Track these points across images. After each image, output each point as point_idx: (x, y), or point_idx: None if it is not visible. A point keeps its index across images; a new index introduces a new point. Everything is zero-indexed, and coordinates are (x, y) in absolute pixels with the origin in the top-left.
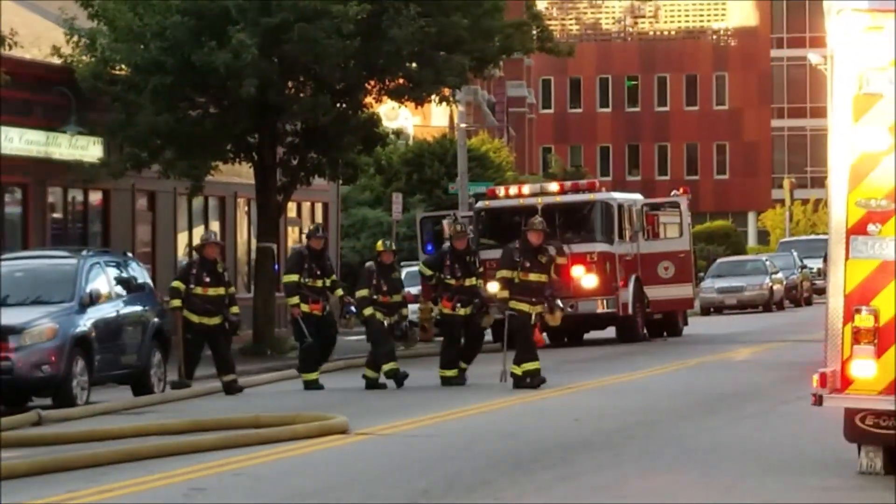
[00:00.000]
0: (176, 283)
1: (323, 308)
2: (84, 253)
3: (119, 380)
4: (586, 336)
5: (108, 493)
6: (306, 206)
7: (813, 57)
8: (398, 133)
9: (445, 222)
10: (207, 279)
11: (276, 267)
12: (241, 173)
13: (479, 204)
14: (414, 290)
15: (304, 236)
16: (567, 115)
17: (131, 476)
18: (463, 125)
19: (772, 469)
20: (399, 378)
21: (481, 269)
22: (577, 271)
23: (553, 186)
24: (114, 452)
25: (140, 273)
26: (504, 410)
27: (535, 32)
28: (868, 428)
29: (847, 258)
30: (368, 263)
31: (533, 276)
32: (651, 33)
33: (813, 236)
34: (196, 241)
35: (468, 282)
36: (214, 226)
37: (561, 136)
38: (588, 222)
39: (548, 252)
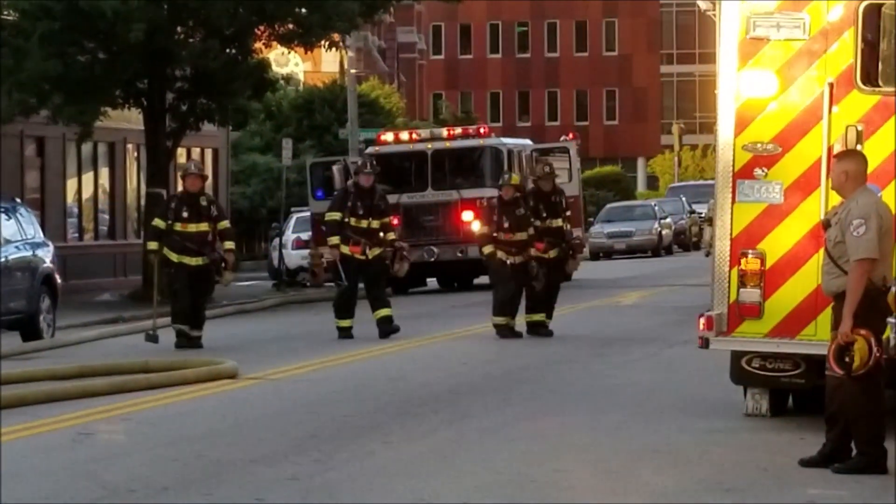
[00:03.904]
0: (156, 222)
1: (362, 250)
2: None
3: (8, 325)
4: (476, 281)
5: None
6: (196, 151)
7: (702, 3)
8: (288, 79)
9: (335, 168)
10: (186, 214)
11: None
12: (131, 119)
13: (369, 150)
14: (304, 235)
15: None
16: (457, 62)
17: (19, 421)
18: (353, 71)
19: (658, 411)
20: (511, 335)
21: (568, 212)
22: (467, 216)
23: (443, 132)
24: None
25: (29, 219)
26: (393, 355)
27: None
28: (754, 370)
29: (734, 202)
30: (492, 199)
31: None
32: None
33: (702, 181)
34: (85, 187)
35: (555, 223)
36: (104, 172)
37: (451, 82)
38: (478, 168)
39: None
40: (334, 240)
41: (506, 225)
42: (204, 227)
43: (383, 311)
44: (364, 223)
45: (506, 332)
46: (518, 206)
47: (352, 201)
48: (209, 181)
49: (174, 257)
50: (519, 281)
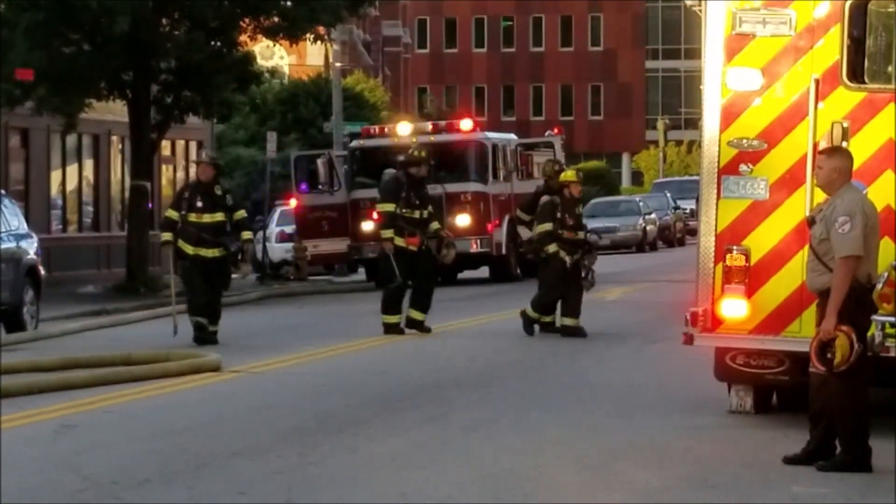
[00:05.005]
0: (169, 213)
1: (421, 243)
2: None
3: None
4: (459, 275)
5: None
6: (180, 144)
7: None
8: (273, 72)
9: (320, 161)
10: (201, 204)
11: (150, 205)
12: (115, 111)
13: (354, 143)
14: (288, 228)
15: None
16: (442, 56)
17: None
18: (338, 64)
19: (642, 408)
20: (579, 334)
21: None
22: (463, 219)
23: (427, 126)
24: None
25: (13, 210)
26: (376, 350)
27: None
28: (738, 367)
29: (719, 198)
30: (550, 197)
31: None
32: None
33: (686, 177)
34: (70, 179)
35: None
36: (88, 164)
37: (436, 77)
38: (462, 162)
39: None
40: (388, 232)
41: (570, 223)
42: (220, 216)
43: (419, 315)
44: (417, 214)
45: (529, 328)
46: (577, 205)
47: (406, 192)
48: (193, 172)
49: (190, 250)
50: (569, 282)
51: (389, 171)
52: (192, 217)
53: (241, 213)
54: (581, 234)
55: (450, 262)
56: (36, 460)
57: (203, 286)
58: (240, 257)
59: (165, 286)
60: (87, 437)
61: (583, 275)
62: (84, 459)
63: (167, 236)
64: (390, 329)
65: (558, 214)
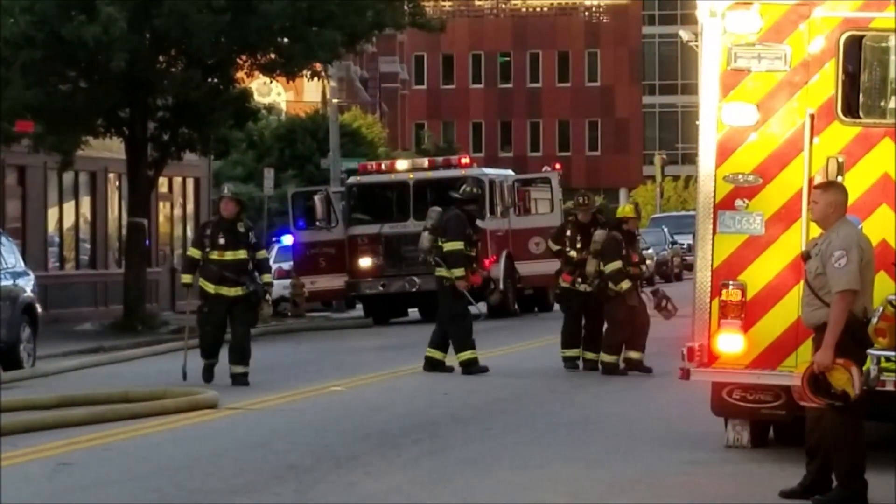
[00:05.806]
0: (191, 251)
1: (482, 280)
2: None
3: None
4: None
5: None
6: (178, 181)
7: (684, 34)
8: (270, 108)
9: (317, 198)
10: (223, 241)
11: (147, 242)
12: (112, 148)
13: (351, 179)
14: (286, 265)
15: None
16: (440, 92)
17: None
18: (335, 101)
19: (639, 443)
20: (645, 370)
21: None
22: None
23: (424, 162)
24: None
25: (10, 248)
26: (373, 386)
27: (407, 8)
28: (735, 402)
29: (715, 233)
30: (612, 233)
31: None
32: (523, 10)
33: (683, 212)
34: (67, 216)
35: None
36: (85, 201)
37: (434, 113)
38: None
39: None
40: (460, 271)
41: (635, 259)
42: (242, 254)
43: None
44: (473, 252)
45: (643, 366)
46: (636, 239)
47: (468, 230)
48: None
49: (211, 289)
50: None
51: (436, 209)
52: (214, 255)
53: (263, 253)
54: (644, 269)
55: (496, 305)
56: (34, 499)
57: (214, 331)
58: (267, 299)
59: (163, 323)
60: (84, 475)
61: (663, 304)
62: (82, 497)
63: (188, 279)
64: (472, 366)
65: (624, 251)
